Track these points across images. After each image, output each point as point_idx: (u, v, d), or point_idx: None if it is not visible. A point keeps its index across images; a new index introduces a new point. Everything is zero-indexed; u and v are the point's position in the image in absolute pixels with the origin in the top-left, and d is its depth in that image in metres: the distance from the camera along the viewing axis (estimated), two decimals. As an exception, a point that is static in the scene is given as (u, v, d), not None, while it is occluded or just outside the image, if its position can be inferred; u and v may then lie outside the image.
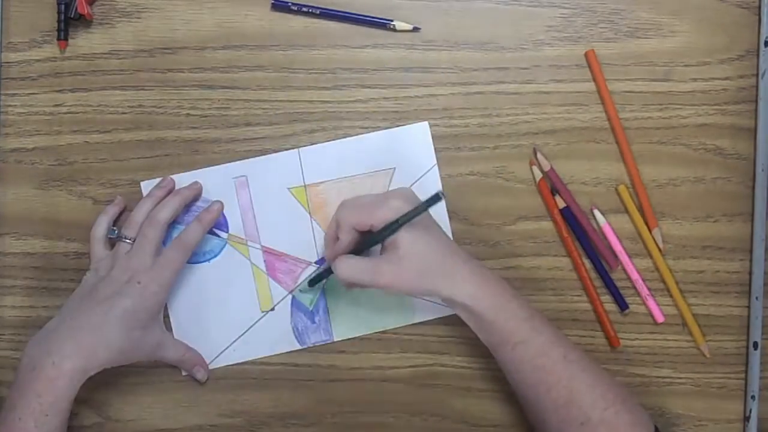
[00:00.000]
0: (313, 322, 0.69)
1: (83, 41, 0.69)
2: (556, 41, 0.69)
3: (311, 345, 0.69)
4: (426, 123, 0.69)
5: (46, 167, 0.69)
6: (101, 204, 0.69)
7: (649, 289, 0.69)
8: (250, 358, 0.69)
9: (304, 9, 0.68)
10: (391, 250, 0.60)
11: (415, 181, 0.68)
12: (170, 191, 0.67)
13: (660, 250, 0.69)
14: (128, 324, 0.62)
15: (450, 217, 0.69)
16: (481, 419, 0.70)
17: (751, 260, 0.69)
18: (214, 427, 0.69)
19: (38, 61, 0.69)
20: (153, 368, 0.69)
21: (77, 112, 0.69)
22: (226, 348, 0.68)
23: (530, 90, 0.69)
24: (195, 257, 0.68)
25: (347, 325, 0.69)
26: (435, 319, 0.69)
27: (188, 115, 0.69)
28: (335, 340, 0.69)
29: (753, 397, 0.69)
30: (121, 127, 0.69)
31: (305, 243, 0.69)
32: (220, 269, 0.68)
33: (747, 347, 0.70)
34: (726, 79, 0.69)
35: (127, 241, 0.65)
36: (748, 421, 0.69)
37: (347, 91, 0.69)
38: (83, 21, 0.68)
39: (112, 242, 0.67)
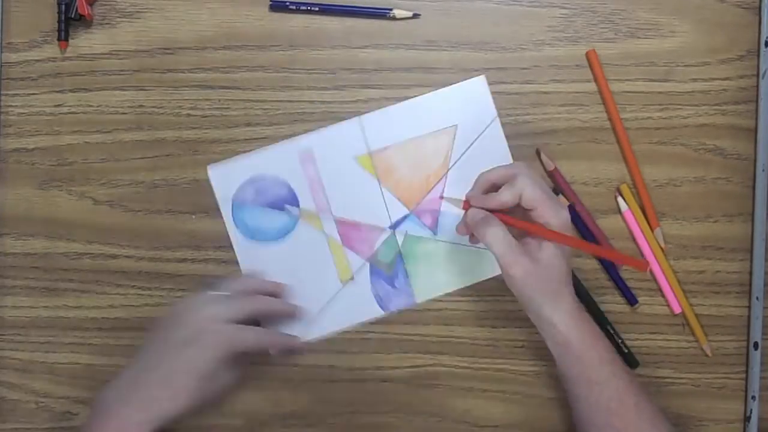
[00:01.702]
0: (394, 287, 0.69)
1: (83, 41, 0.69)
2: (556, 41, 0.69)
3: (394, 311, 0.69)
4: (483, 77, 0.69)
5: (46, 167, 0.69)
6: (101, 204, 0.69)
7: (666, 279, 0.69)
8: (335, 330, 0.69)
9: (303, 7, 0.68)
10: (533, 248, 0.60)
11: (477, 137, 0.69)
12: (276, 293, 0.68)
13: (662, 249, 0.69)
14: (197, 374, 0.60)
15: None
16: (481, 419, 0.70)
17: (751, 260, 0.69)
18: (214, 427, 0.69)
19: (38, 61, 0.69)
20: (153, 368, 0.69)
21: (77, 113, 0.69)
22: (312, 321, 0.69)
23: (530, 90, 0.69)
24: (269, 235, 0.69)
25: (428, 286, 0.69)
26: (442, 316, 0.69)
27: (188, 115, 0.69)
28: (417, 302, 0.69)
29: (753, 397, 0.69)
30: (121, 127, 0.69)
31: (377, 209, 0.69)
32: (296, 245, 0.69)
33: (747, 347, 0.70)
34: (726, 79, 0.69)
35: (218, 292, 0.64)
36: (748, 421, 0.69)
37: (347, 91, 0.69)
38: (83, 21, 0.68)
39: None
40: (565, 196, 0.69)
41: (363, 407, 0.70)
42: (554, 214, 0.59)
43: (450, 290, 0.69)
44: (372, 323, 0.69)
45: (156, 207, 0.69)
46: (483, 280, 0.69)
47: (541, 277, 0.59)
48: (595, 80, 0.69)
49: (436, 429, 0.70)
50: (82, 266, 0.69)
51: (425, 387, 0.70)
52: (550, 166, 0.68)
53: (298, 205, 0.69)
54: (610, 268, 0.69)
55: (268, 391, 0.69)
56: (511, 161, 0.68)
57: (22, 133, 0.69)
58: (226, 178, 0.69)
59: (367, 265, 0.69)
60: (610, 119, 0.69)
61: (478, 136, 0.69)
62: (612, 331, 0.69)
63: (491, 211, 0.60)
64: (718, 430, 0.70)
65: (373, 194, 0.69)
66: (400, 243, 0.69)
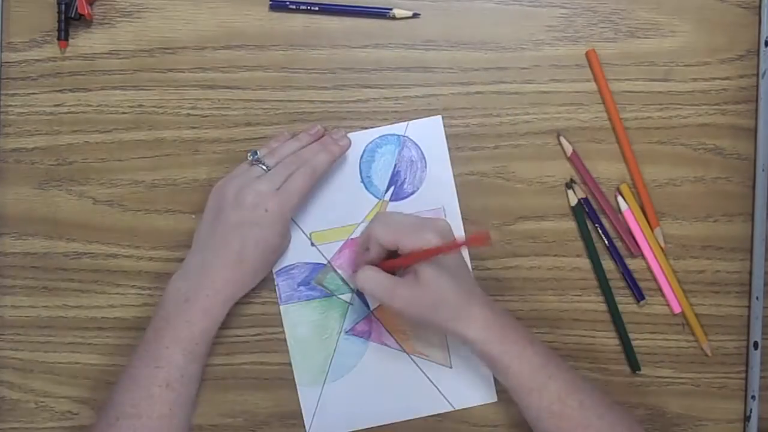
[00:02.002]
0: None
1: (83, 41, 0.69)
2: (556, 41, 0.69)
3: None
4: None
5: (46, 167, 0.69)
6: (101, 204, 0.69)
7: (666, 278, 0.69)
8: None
9: (303, 6, 0.68)
10: (412, 276, 0.61)
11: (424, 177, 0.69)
12: (318, 138, 0.67)
13: (662, 249, 0.69)
14: (265, 251, 0.64)
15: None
16: (481, 419, 0.70)
17: (751, 260, 0.69)
18: (214, 427, 0.69)
19: (38, 61, 0.69)
20: (153, 368, 0.69)
21: (77, 112, 0.69)
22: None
23: (530, 90, 0.69)
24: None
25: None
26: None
27: (188, 115, 0.69)
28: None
29: (753, 397, 0.69)
30: (121, 127, 0.69)
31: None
32: None
33: (747, 347, 0.70)
34: (726, 79, 0.69)
35: (263, 167, 0.64)
36: (748, 421, 0.69)
37: (347, 91, 0.69)
38: (83, 21, 0.68)
39: (249, 164, 0.65)
40: (584, 182, 0.68)
41: (363, 407, 0.70)
42: (415, 240, 0.60)
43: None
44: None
45: (156, 207, 0.69)
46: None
47: (429, 301, 0.60)
48: (595, 80, 0.69)
49: (436, 429, 0.69)
50: (82, 266, 0.69)
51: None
52: (569, 151, 0.68)
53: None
54: (621, 262, 0.69)
55: (268, 391, 0.69)
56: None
57: (22, 132, 0.69)
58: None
59: None
60: (609, 119, 0.69)
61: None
62: (622, 333, 0.69)
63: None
64: (718, 429, 0.70)
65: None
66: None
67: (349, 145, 0.67)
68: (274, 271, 0.68)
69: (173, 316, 0.62)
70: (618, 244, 0.69)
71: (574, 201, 0.69)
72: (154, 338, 0.62)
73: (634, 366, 0.69)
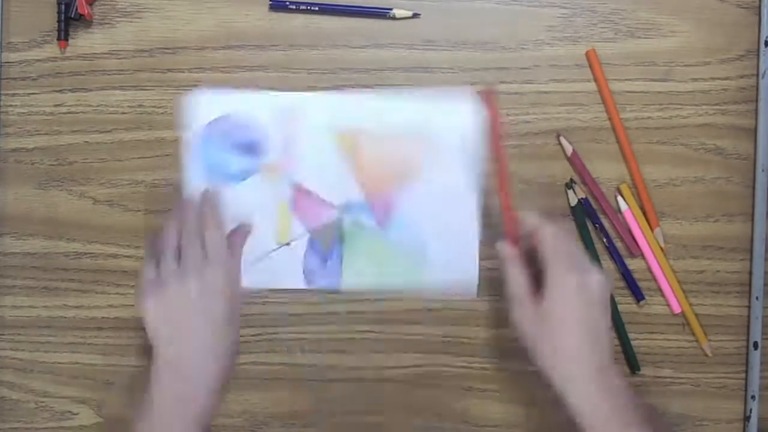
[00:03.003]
0: (325, 265, 0.69)
1: (83, 41, 0.69)
2: (556, 41, 0.69)
3: (318, 287, 0.69)
4: (471, 87, 0.69)
5: (46, 167, 0.69)
6: (101, 204, 0.69)
7: (666, 279, 0.69)
8: (257, 287, 0.68)
9: (303, 6, 0.68)
10: (547, 299, 0.59)
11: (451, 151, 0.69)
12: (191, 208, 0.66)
13: (662, 249, 0.69)
14: (232, 306, 0.63)
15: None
16: (481, 419, 0.70)
17: (751, 260, 0.69)
18: (214, 427, 0.69)
19: (38, 61, 0.69)
20: (153, 368, 0.69)
21: (77, 112, 0.69)
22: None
23: (530, 90, 0.69)
24: (225, 177, 0.68)
25: (357, 277, 0.69)
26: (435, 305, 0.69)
27: (188, 115, 0.69)
28: (342, 288, 0.69)
29: (753, 397, 0.69)
30: (121, 127, 0.69)
31: (336, 188, 0.68)
32: (246, 194, 0.68)
33: (747, 347, 0.70)
34: (726, 79, 0.69)
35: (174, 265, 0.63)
36: (748, 421, 0.69)
37: (347, 91, 0.69)
38: (83, 21, 0.68)
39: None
40: (584, 182, 0.69)
41: (363, 407, 0.70)
42: (565, 268, 0.59)
43: (377, 288, 0.69)
44: (372, 323, 0.69)
45: (156, 207, 0.69)
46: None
47: (551, 350, 0.58)
48: (595, 80, 0.69)
49: (436, 429, 0.70)
50: (82, 266, 0.69)
51: (425, 387, 0.70)
52: (569, 150, 0.68)
53: (264, 156, 0.68)
54: (619, 264, 0.69)
55: (268, 391, 0.69)
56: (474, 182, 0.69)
57: (22, 132, 0.69)
58: (205, 106, 0.68)
59: (307, 236, 0.68)
60: (609, 119, 0.69)
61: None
62: (621, 333, 0.69)
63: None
64: (718, 429, 0.70)
65: (338, 172, 0.68)
66: (344, 225, 0.68)
67: (249, 232, 0.68)
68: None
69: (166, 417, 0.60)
70: (618, 244, 0.69)
71: (574, 201, 0.69)
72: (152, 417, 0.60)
73: (634, 366, 0.69)
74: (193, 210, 0.65)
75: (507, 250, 0.62)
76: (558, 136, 0.69)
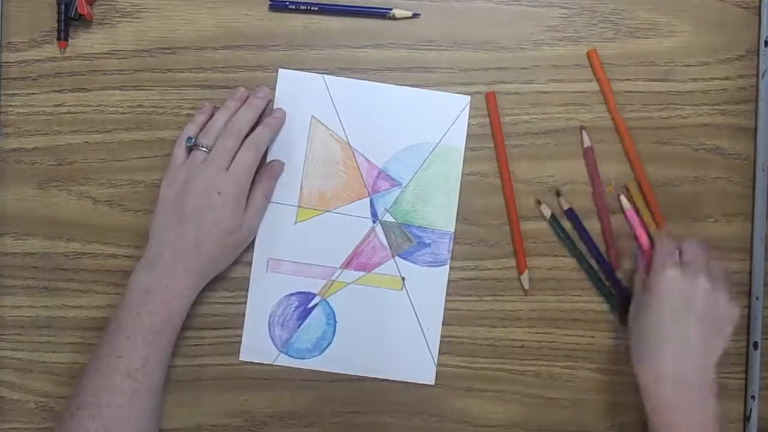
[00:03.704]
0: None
1: (83, 41, 0.69)
2: (556, 41, 0.69)
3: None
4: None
5: (46, 167, 0.69)
6: (101, 204, 0.69)
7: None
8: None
9: (303, 6, 0.68)
10: (645, 309, 0.64)
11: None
12: (245, 101, 0.67)
13: None
14: (221, 233, 0.64)
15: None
16: (481, 419, 0.70)
17: (751, 260, 0.69)
18: (214, 427, 0.69)
19: (38, 61, 0.69)
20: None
21: (77, 112, 0.69)
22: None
23: (530, 90, 0.69)
24: None
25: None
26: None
27: (188, 115, 0.69)
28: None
29: (753, 397, 0.69)
30: (121, 127, 0.69)
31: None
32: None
33: (747, 347, 0.70)
34: (726, 79, 0.69)
35: (203, 149, 0.64)
36: (748, 421, 0.69)
37: (347, 91, 0.69)
38: (83, 21, 0.68)
39: (188, 149, 0.65)
40: (591, 179, 0.69)
41: (363, 407, 0.70)
42: (707, 300, 0.62)
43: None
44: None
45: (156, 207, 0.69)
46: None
47: (644, 335, 0.62)
48: (597, 80, 0.69)
49: (436, 429, 0.70)
50: (82, 266, 0.69)
51: (425, 387, 0.69)
52: (587, 144, 0.68)
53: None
54: (608, 271, 0.69)
55: (268, 391, 0.69)
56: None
57: (22, 132, 0.69)
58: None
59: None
60: (612, 119, 0.69)
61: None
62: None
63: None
64: (717, 429, 0.70)
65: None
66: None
67: (285, 116, 0.68)
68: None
69: (134, 307, 0.62)
70: (620, 244, 0.69)
71: (566, 206, 0.69)
72: (116, 329, 0.62)
73: None
74: (249, 109, 0.66)
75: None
76: (581, 129, 0.69)
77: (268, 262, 0.69)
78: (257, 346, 0.69)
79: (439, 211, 0.69)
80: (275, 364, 0.69)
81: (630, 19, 0.69)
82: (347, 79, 0.69)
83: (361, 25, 0.69)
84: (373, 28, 0.69)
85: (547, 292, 0.69)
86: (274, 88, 0.69)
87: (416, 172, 0.69)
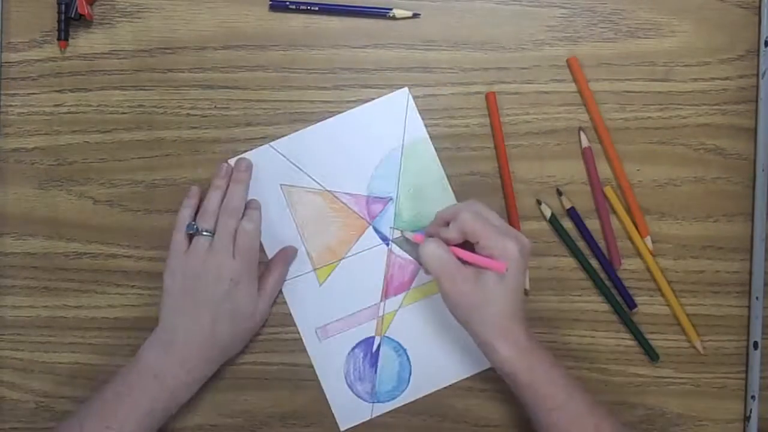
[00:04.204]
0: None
1: (83, 41, 0.69)
2: (556, 41, 0.69)
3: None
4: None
5: (46, 167, 0.69)
6: (101, 204, 0.69)
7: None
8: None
9: (303, 6, 0.68)
10: (474, 271, 0.60)
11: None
12: (230, 176, 0.67)
13: (649, 250, 0.69)
14: (237, 321, 0.64)
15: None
16: (481, 419, 0.70)
17: (751, 260, 0.69)
18: (214, 427, 0.69)
19: (38, 61, 0.69)
20: (153, 368, 0.69)
21: (77, 112, 0.69)
22: None
23: (530, 90, 0.69)
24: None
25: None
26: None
27: (188, 115, 0.69)
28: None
29: (753, 397, 0.69)
30: (121, 127, 0.69)
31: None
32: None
33: (747, 347, 0.70)
34: (726, 79, 0.69)
35: (206, 234, 0.64)
36: (748, 421, 0.69)
37: (347, 91, 0.69)
38: (83, 21, 0.68)
39: (189, 237, 0.65)
40: (589, 178, 0.68)
41: (363, 407, 0.70)
42: (495, 245, 0.60)
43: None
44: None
45: (156, 207, 0.69)
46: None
47: (480, 301, 0.60)
48: (577, 86, 0.69)
49: (436, 429, 0.70)
50: (82, 266, 0.69)
51: (425, 387, 0.70)
52: (585, 144, 0.68)
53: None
54: (609, 271, 0.69)
55: (268, 391, 0.69)
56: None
57: (22, 132, 0.69)
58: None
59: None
60: (595, 128, 0.69)
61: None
62: (631, 328, 0.69)
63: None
64: (718, 429, 0.70)
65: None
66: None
67: (250, 164, 0.68)
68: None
69: (137, 387, 0.62)
70: (619, 244, 0.69)
71: (567, 205, 0.69)
72: (113, 398, 0.61)
73: (653, 357, 0.69)
74: (238, 185, 0.66)
75: (428, 242, 0.62)
76: (579, 130, 0.69)
77: (316, 332, 0.69)
78: (349, 409, 0.69)
79: (438, 201, 0.69)
80: (374, 417, 0.69)
81: (630, 19, 0.69)
82: (290, 135, 0.68)
83: (361, 25, 0.69)
84: (373, 28, 0.69)
85: (547, 292, 0.69)
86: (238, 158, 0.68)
87: (399, 180, 0.69)
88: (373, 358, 0.69)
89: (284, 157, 0.69)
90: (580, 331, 0.70)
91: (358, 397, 0.69)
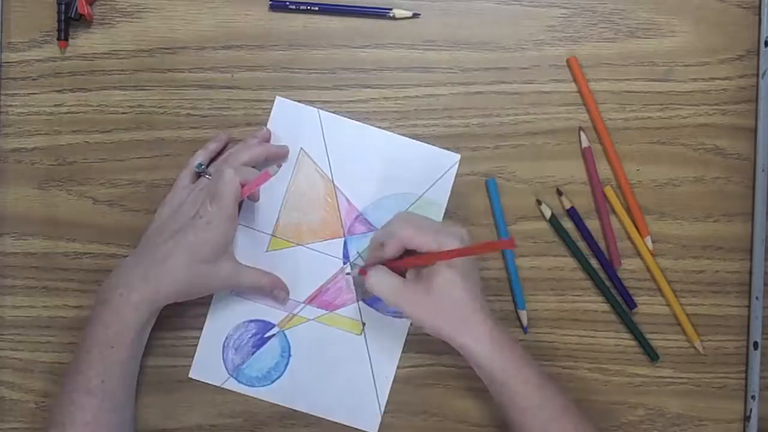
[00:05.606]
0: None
1: (83, 41, 0.69)
2: (556, 41, 0.69)
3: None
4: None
5: (46, 167, 0.69)
6: (101, 204, 0.69)
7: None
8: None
9: (303, 6, 0.68)
10: (425, 280, 0.60)
11: (413, 203, 0.68)
12: (265, 140, 0.67)
13: (649, 250, 0.69)
14: (193, 258, 0.61)
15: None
16: (481, 419, 0.70)
17: (751, 260, 0.69)
18: (214, 427, 0.69)
19: (38, 61, 0.69)
20: (153, 368, 0.68)
21: (77, 112, 0.69)
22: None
23: (530, 90, 0.69)
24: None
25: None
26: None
27: (188, 115, 0.69)
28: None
29: (753, 397, 0.69)
30: (121, 127, 0.69)
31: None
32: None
33: (747, 347, 0.70)
34: (726, 79, 0.69)
35: (208, 177, 0.65)
36: (748, 421, 0.69)
37: (347, 91, 0.69)
38: (83, 21, 0.68)
39: (196, 175, 0.66)
40: (589, 178, 0.69)
41: (363, 407, 0.70)
42: (432, 241, 0.59)
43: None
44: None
45: (156, 207, 0.69)
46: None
47: (439, 309, 0.60)
48: (578, 86, 0.69)
49: (436, 429, 0.70)
50: (82, 266, 0.69)
51: (425, 387, 0.69)
52: (585, 144, 0.68)
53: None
54: (610, 271, 0.69)
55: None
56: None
57: (22, 132, 0.69)
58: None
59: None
60: (595, 128, 0.69)
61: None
62: (631, 327, 0.69)
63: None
64: (718, 429, 0.70)
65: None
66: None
67: (269, 135, 0.68)
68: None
69: (94, 318, 0.61)
70: (619, 245, 0.69)
71: (567, 205, 0.69)
72: (80, 343, 0.61)
73: (653, 357, 0.69)
74: (259, 147, 0.66)
75: (370, 272, 0.61)
76: (579, 130, 0.69)
77: None
78: (209, 366, 0.68)
79: None
80: (223, 387, 0.68)
81: (630, 19, 0.69)
82: (342, 117, 0.68)
83: (361, 25, 0.69)
84: (373, 28, 0.69)
85: (548, 292, 0.69)
86: (268, 115, 0.69)
87: None
88: (260, 342, 0.68)
89: (322, 128, 0.68)
90: (580, 331, 0.70)
91: (223, 362, 0.68)
